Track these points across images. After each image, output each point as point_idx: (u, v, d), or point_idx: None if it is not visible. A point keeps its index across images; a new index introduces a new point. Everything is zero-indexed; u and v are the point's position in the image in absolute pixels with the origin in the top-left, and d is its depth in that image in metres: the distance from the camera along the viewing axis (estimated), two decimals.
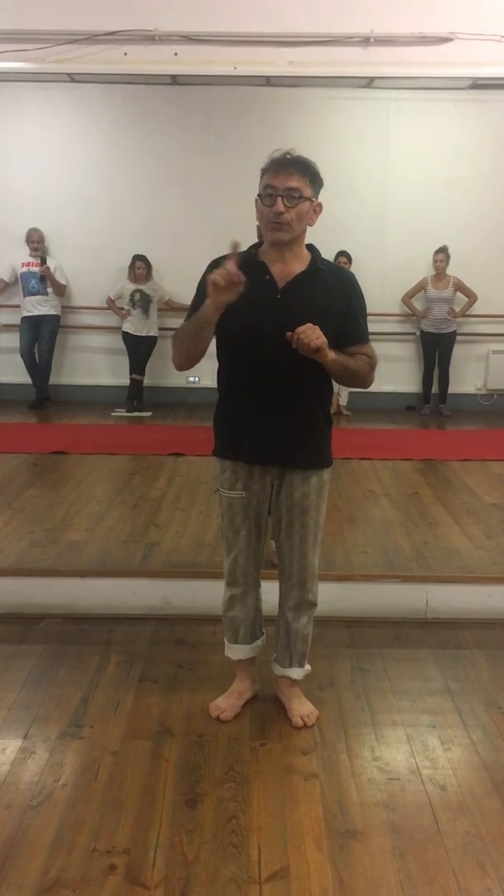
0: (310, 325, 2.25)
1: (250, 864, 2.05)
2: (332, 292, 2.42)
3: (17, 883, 1.97)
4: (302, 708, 2.71)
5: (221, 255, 2.42)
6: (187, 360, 2.44)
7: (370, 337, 2.53)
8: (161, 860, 2.05)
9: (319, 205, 2.39)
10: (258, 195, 2.36)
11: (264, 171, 2.34)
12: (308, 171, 2.33)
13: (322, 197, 2.40)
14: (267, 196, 2.32)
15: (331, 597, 3.42)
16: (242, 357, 2.42)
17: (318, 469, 2.55)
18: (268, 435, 2.46)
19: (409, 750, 2.56)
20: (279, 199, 2.28)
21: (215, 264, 2.39)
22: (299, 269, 2.40)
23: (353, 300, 2.46)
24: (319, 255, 2.47)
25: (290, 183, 2.29)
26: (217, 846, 2.11)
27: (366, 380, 2.52)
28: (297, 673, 2.75)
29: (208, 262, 2.41)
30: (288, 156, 2.34)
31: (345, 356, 2.41)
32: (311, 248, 2.47)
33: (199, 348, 2.40)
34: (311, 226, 2.40)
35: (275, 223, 2.31)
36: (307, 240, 2.46)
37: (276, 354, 2.34)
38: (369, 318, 2.57)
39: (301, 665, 2.75)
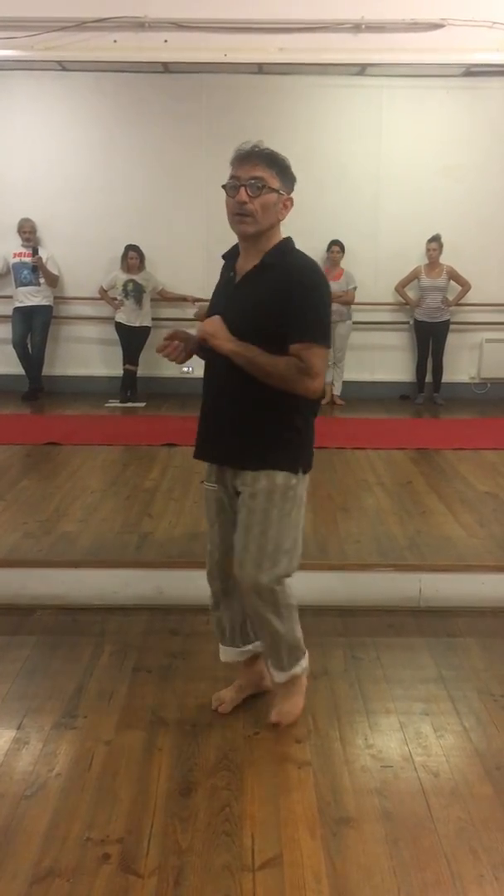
0: (213, 318, 2.32)
1: (244, 851, 2.05)
2: (273, 288, 2.29)
3: (12, 873, 1.98)
4: (283, 705, 2.58)
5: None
6: None
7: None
8: (155, 849, 2.06)
9: (290, 199, 2.33)
10: (223, 187, 2.32)
11: (231, 164, 2.31)
12: (275, 163, 2.28)
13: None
14: (231, 187, 2.28)
15: (324, 586, 3.44)
16: (205, 354, 2.43)
17: (266, 470, 2.37)
18: (211, 431, 2.49)
19: (402, 737, 2.57)
20: (242, 188, 2.25)
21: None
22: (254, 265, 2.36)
23: (295, 295, 2.27)
24: (286, 248, 2.35)
25: (254, 173, 2.25)
26: (210, 834, 2.11)
27: (286, 383, 2.28)
28: (277, 676, 2.57)
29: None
30: (255, 148, 2.29)
31: (258, 353, 2.27)
32: (281, 242, 2.37)
33: None
34: (281, 220, 2.34)
35: (238, 214, 2.27)
36: (289, 233, 2.39)
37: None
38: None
39: (279, 668, 2.55)
